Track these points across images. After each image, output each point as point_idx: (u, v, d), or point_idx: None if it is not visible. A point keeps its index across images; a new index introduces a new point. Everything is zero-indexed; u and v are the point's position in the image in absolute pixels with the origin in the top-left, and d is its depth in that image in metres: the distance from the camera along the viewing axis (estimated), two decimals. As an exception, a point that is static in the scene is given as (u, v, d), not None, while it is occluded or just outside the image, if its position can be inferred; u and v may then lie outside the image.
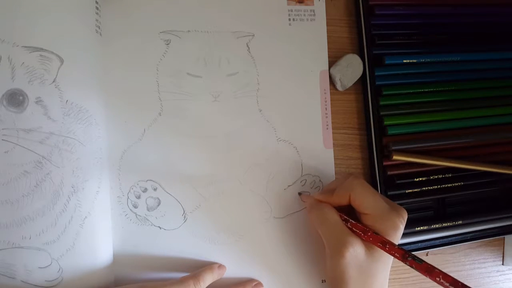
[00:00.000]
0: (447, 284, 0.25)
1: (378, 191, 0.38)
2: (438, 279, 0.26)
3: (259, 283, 0.36)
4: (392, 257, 0.32)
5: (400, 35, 0.40)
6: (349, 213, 0.33)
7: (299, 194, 0.38)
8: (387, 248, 0.29)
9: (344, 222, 0.32)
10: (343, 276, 0.30)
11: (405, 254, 0.28)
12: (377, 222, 0.31)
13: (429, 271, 0.27)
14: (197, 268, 0.35)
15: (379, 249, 0.30)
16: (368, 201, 0.32)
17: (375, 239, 0.30)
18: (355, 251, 0.30)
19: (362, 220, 0.32)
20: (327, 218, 0.32)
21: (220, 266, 0.35)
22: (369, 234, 0.30)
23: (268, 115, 0.38)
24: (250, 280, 0.36)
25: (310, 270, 0.37)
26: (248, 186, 0.37)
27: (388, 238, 0.30)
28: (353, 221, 0.32)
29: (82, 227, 0.32)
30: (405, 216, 0.32)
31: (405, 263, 0.28)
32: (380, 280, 0.31)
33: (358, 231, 0.31)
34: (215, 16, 0.37)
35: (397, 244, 0.30)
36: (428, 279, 0.27)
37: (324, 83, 0.39)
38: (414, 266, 0.28)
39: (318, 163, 0.38)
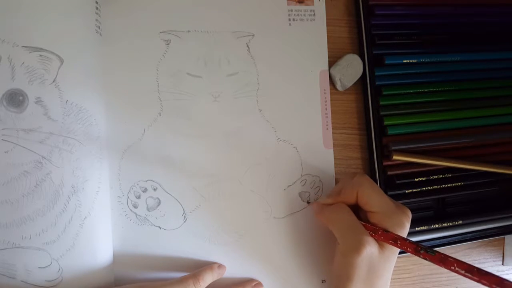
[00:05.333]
0: (463, 272, 0.25)
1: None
2: (453, 267, 0.26)
3: (259, 283, 0.36)
4: (396, 258, 0.32)
5: (400, 35, 0.40)
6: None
7: (308, 203, 0.38)
8: (398, 244, 0.30)
9: None
10: (352, 274, 0.30)
11: (417, 247, 0.28)
12: (384, 220, 0.31)
13: (443, 261, 0.27)
14: (197, 268, 0.35)
15: (389, 249, 0.31)
16: (376, 198, 0.32)
17: (386, 237, 0.30)
18: (371, 249, 0.30)
19: (369, 218, 0.32)
20: (344, 216, 0.33)
21: (220, 266, 0.35)
22: (379, 233, 0.31)
23: (268, 115, 0.38)
24: (250, 280, 0.36)
25: (310, 270, 0.37)
26: (248, 186, 0.37)
27: None
28: (362, 222, 0.32)
29: (82, 227, 0.32)
30: (410, 215, 0.32)
31: (419, 256, 0.28)
32: (384, 280, 0.32)
33: (368, 231, 0.31)
34: (215, 16, 0.37)
35: None
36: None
37: (324, 83, 0.39)
38: (427, 258, 0.28)
39: (318, 163, 0.38)
